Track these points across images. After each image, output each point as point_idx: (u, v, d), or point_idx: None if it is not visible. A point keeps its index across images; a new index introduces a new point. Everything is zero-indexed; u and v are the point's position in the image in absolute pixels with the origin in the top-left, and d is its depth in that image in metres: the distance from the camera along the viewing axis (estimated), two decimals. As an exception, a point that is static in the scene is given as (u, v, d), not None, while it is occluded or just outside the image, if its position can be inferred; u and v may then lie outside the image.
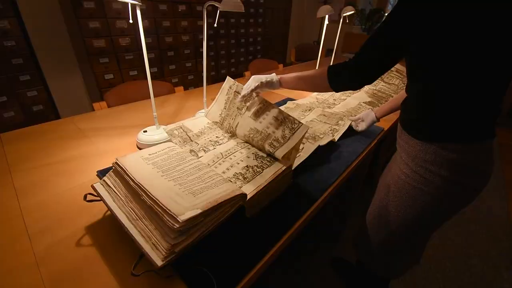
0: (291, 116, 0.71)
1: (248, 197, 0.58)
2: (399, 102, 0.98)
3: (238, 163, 0.68)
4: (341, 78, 0.70)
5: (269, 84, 0.80)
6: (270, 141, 0.70)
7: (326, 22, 1.48)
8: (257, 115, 0.76)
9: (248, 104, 0.80)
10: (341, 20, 1.58)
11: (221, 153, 0.73)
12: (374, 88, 1.57)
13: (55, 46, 2.18)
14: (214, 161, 0.70)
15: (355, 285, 1.29)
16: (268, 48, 3.97)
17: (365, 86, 1.59)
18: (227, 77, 0.92)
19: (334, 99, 1.44)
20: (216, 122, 0.88)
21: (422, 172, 0.71)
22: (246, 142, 0.78)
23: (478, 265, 1.43)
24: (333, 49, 1.76)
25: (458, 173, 0.67)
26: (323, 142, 0.91)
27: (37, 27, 2.04)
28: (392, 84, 1.61)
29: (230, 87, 0.89)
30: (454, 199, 0.72)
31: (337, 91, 0.73)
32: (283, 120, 0.72)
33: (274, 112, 0.75)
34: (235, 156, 0.71)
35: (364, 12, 3.79)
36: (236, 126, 0.80)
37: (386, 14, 1.92)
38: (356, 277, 1.28)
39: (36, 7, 2.01)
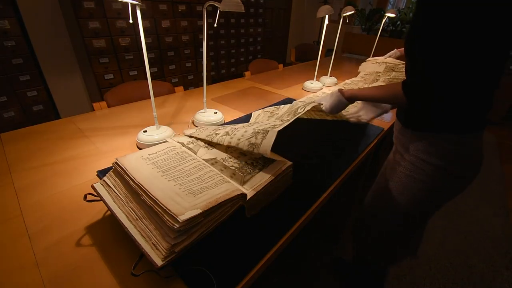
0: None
1: (248, 197, 0.58)
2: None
3: (252, 154, 0.72)
4: None
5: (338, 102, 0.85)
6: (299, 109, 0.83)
7: (326, 22, 1.48)
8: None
9: (279, 111, 1.00)
10: (341, 20, 1.58)
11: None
12: (388, 77, 1.71)
13: (55, 46, 2.18)
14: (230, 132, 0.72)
15: (354, 285, 1.29)
16: (268, 48, 3.97)
17: (381, 77, 1.75)
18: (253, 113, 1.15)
19: (358, 88, 1.54)
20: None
21: (414, 161, 0.74)
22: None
23: (478, 265, 1.43)
24: (333, 49, 1.76)
25: (449, 162, 0.69)
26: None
27: (37, 27, 2.04)
28: (402, 72, 1.74)
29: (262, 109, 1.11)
30: (445, 187, 0.74)
31: None
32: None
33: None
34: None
35: (364, 12, 3.79)
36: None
37: (386, 14, 1.95)
38: (356, 277, 1.28)
39: (36, 7, 2.01)
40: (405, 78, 0.73)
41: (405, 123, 0.75)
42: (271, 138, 0.62)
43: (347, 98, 0.82)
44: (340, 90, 0.83)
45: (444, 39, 0.56)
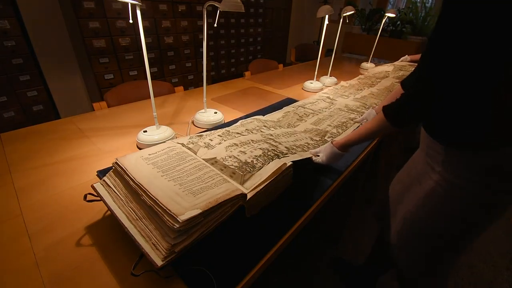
0: (344, 125, 1.11)
1: (248, 197, 0.58)
2: (396, 97, 1.02)
3: (252, 152, 0.75)
4: None
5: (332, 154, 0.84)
6: (328, 134, 1.02)
7: (326, 22, 1.48)
8: (316, 123, 1.12)
9: (307, 118, 1.17)
10: (341, 20, 1.58)
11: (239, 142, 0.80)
12: (397, 75, 1.92)
13: (55, 46, 2.18)
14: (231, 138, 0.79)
15: (354, 285, 1.29)
16: (268, 48, 3.97)
17: (390, 74, 1.92)
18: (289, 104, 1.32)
19: (372, 82, 1.77)
20: (273, 121, 1.10)
21: (457, 181, 0.67)
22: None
23: (478, 265, 1.43)
24: (333, 49, 1.76)
25: (492, 178, 0.63)
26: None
27: (37, 27, 2.04)
28: (410, 71, 1.95)
29: (293, 107, 1.28)
30: (490, 205, 0.67)
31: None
32: (338, 125, 1.11)
33: (331, 119, 1.15)
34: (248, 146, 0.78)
35: (364, 12, 3.79)
36: (297, 125, 1.09)
37: (386, 14, 1.97)
38: (356, 277, 1.28)
39: (36, 7, 2.01)
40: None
41: (444, 141, 0.67)
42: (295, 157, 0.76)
43: (339, 148, 0.81)
44: (332, 142, 0.82)
45: (453, 37, 0.54)
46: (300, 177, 0.77)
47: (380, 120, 0.71)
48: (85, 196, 0.58)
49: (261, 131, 0.93)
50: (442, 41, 0.57)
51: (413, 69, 1.84)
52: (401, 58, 2.19)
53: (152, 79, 0.91)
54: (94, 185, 0.61)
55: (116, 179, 0.61)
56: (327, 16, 1.42)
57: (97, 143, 0.94)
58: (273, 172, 0.64)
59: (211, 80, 3.19)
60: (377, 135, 0.76)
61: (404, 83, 1.05)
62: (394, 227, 0.89)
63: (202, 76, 1.06)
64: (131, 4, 0.74)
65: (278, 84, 1.73)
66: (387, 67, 2.12)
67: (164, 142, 0.85)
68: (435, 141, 0.70)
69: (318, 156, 0.84)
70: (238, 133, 0.87)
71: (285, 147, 0.82)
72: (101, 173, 0.74)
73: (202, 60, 0.98)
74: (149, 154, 0.66)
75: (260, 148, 0.76)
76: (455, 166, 0.67)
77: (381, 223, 1.02)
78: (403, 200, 0.86)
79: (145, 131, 0.93)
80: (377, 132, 0.75)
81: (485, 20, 0.51)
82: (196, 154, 0.72)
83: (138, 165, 0.60)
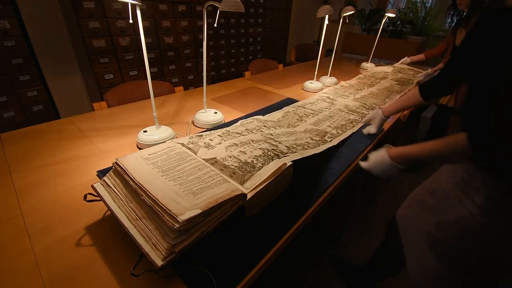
0: (343, 127, 1.11)
1: (248, 197, 0.58)
2: (409, 102, 0.95)
3: (252, 152, 0.74)
4: None
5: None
6: (328, 134, 1.01)
7: (326, 22, 1.48)
8: (316, 123, 1.12)
9: (307, 118, 1.17)
10: (341, 20, 1.58)
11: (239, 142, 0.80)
12: (396, 77, 1.92)
13: (55, 46, 2.18)
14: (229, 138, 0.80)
15: (355, 285, 1.29)
16: (268, 48, 3.97)
17: (389, 76, 1.93)
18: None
19: (371, 82, 1.80)
20: (273, 121, 1.09)
21: (492, 211, 0.63)
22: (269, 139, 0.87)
23: (478, 265, 1.43)
24: (333, 49, 1.76)
25: None
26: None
27: (37, 27, 2.04)
28: (408, 74, 2.01)
29: (293, 107, 1.29)
30: None
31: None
32: (338, 126, 1.11)
33: (331, 120, 1.16)
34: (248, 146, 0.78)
35: (364, 12, 3.79)
36: (297, 126, 1.09)
37: (386, 14, 1.98)
38: (356, 277, 1.28)
39: (36, 7, 2.01)
40: (412, 79, 0.70)
41: (494, 169, 0.61)
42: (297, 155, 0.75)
43: (394, 157, 0.69)
44: (387, 148, 0.70)
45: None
46: (300, 177, 0.77)
47: (458, 138, 0.60)
48: (85, 196, 0.58)
49: (261, 130, 0.93)
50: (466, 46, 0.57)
51: (412, 72, 1.87)
52: (401, 60, 2.23)
53: (152, 79, 0.91)
54: (94, 185, 0.61)
55: (116, 179, 0.61)
56: (327, 16, 1.42)
57: (97, 143, 0.94)
58: (273, 172, 0.64)
59: (211, 80, 3.19)
60: (444, 157, 0.65)
61: (422, 87, 0.90)
62: (415, 242, 0.82)
63: (202, 76, 1.06)
64: (131, 4, 0.74)
65: (278, 84, 1.73)
66: (387, 68, 2.13)
67: (164, 142, 0.85)
68: (476, 168, 0.63)
69: (366, 159, 0.77)
70: (238, 133, 0.87)
71: (286, 146, 0.82)
72: (101, 173, 0.74)
73: (202, 60, 0.98)
74: (149, 154, 0.66)
75: (260, 148, 0.76)
76: (497, 201, 0.62)
77: (390, 229, 0.98)
78: (425, 216, 0.80)
79: (145, 131, 0.93)
80: (447, 154, 0.63)
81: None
82: (196, 154, 0.72)
83: (138, 165, 0.60)
